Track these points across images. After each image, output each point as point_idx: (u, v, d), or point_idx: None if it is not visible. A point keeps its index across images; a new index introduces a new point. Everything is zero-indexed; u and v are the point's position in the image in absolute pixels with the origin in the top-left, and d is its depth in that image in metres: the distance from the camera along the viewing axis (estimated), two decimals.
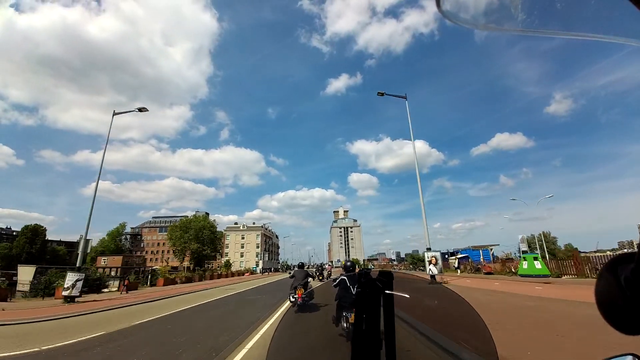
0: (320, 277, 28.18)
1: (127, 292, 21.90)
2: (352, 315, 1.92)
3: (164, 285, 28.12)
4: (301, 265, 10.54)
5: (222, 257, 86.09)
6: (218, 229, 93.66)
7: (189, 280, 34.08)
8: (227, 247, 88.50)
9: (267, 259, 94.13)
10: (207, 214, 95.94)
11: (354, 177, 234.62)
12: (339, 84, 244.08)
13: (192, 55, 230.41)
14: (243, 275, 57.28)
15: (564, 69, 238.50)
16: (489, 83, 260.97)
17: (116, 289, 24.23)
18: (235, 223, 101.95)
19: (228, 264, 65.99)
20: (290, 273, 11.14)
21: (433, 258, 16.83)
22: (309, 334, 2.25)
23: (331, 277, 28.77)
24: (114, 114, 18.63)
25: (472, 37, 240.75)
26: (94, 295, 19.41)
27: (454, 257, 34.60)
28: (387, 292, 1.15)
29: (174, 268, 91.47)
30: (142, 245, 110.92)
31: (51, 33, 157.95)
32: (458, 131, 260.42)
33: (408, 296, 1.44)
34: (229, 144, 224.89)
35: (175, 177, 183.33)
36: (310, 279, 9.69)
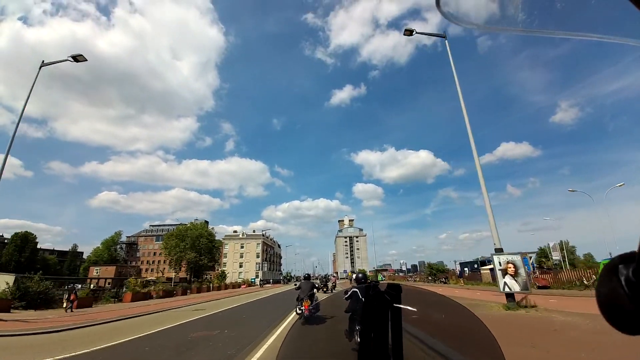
0: (325, 289, 26.38)
1: (72, 310, 16.78)
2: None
3: (132, 300, 22.72)
4: (307, 277, 10.63)
5: (219, 267, 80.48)
6: (217, 238, 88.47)
7: (168, 294, 28.65)
8: (226, 257, 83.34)
9: (267, 269, 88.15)
10: (207, 222, 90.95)
11: (359, 187, 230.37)
12: (343, 94, 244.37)
13: (199, 68, 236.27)
14: (239, 287, 51.54)
15: (569, 77, 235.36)
16: (494, 92, 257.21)
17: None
18: (235, 231, 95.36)
19: (223, 275, 60.46)
20: (296, 284, 10.77)
21: (510, 266, 10.39)
22: (317, 346, 2.26)
23: (336, 289, 28.03)
24: (42, 65, 14.35)
25: (476, 46, 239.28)
26: (24, 314, 14.58)
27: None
28: (395, 305, 1.15)
29: (169, 279, 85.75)
30: (137, 255, 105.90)
31: (61, 47, 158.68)
32: (463, 140, 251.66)
33: (416, 310, 1.44)
34: (234, 154, 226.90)
35: (180, 187, 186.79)
36: (315, 291, 9.61)
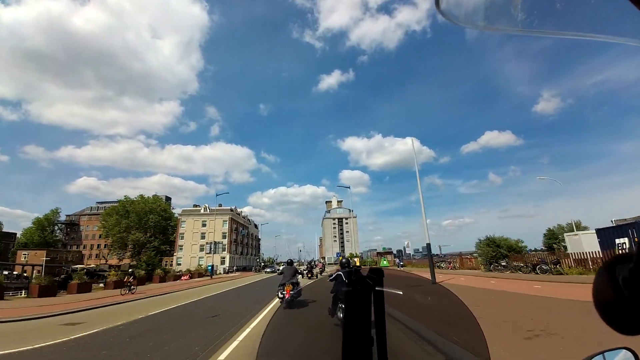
0: (310, 275, 24.51)
1: None
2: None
3: None
4: (290, 263, 10.81)
5: (175, 251, 62.72)
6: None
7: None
8: (182, 238, 65.66)
9: (239, 253, 70.95)
10: (169, 199, 72.21)
11: (346, 174, 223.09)
12: (331, 80, 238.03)
13: (181, 48, 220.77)
14: (179, 278, 34.40)
15: (553, 68, 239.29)
16: (480, 81, 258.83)
17: None
18: (196, 205, 72.57)
19: (157, 263, 43.61)
20: (276, 271, 11.93)
21: None
22: (300, 329, 2.27)
23: (324, 273, 27.68)
24: None
25: (464, 36, 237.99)
26: None
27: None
28: (377, 289, 1.15)
29: (113, 267, 66.54)
30: (80, 238, 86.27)
31: (37, 26, 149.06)
32: (449, 129, 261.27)
33: (400, 293, 1.45)
34: (219, 140, 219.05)
35: (164, 173, 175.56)
36: (299, 276, 10.11)
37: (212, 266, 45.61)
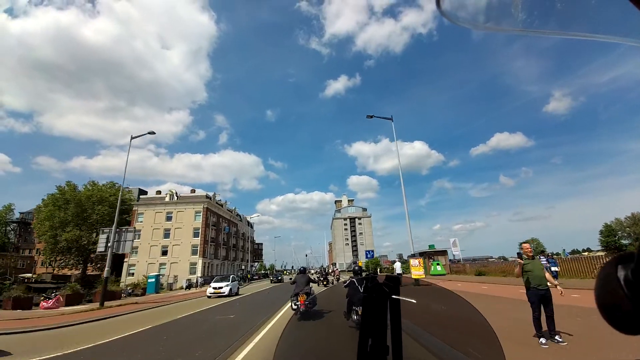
0: (325, 283, 23.33)
1: None
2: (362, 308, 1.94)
3: None
4: (302, 270, 10.51)
5: (125, 256, 45.35)
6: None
7: None
8: (138, 237, 46.84)
9: (220, 257, 53.09)
10: (145, 192, 55.55)
11: (353, 180, 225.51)
12: (338, 85, 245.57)
13: (189, 57, 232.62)
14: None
15: (563, 67, 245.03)
16: (488, 82, 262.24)
17: None
18: (158, 192, 51.74)
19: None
20: (291, 279, 10.32)
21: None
22: (316, 332, 2.31)
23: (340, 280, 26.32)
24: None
25: (470, 36, 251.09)
26: None
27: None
28: (393, 297, 1.15)
29: (64, 277, 48.94)
30: (33, 240, 69.97)
31: (45, 36, 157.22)
32: (457, 131, 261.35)
33: (415, 301, 1.45)
34: (227, 148, 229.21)
35: (173, 182, 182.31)
36: (312, 285, 9.61)
37: (158, 277, 27.96)
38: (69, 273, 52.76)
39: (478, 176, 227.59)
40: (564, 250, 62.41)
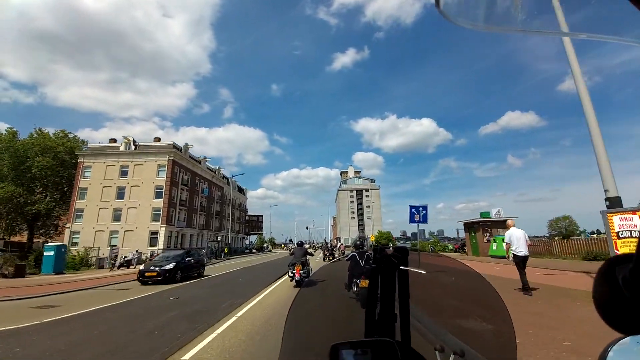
0: (331, 258, 23.55)
1: None
2: (361, 281, 2.23)
3: None
4: (300, 244, 11.74)
5: (69, 220, 35.01)
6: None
7: None
8: (83, 198, 35.40)
9: (193, 225, 42.51)
10: (82, 140, 44.30)
11: (359, 156, 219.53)
12: (345, 59, 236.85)
13: (192, 27, 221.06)
14: None
15: (579, 45, 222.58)
16: (504, 58, 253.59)
17: None
18: (113, 140, 39.80)
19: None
20: (290, 250, 11.52)
21: None
22: (323, 303, 2.30)
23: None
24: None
25: None
26: None
27: None
28: (402, 267, 1.18)
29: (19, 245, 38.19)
30: None
31: (45, 5, 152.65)
32: (468, 110, 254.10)
33: (424, 272, 1.49)
34: (232, 122, 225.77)
35: None
36: (308, 257, 10.93)
37: (62, 249, 17.52)
38: (23, 240, 43.60)
39: (485, 156, 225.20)
40: (585, 230, 59.77)
